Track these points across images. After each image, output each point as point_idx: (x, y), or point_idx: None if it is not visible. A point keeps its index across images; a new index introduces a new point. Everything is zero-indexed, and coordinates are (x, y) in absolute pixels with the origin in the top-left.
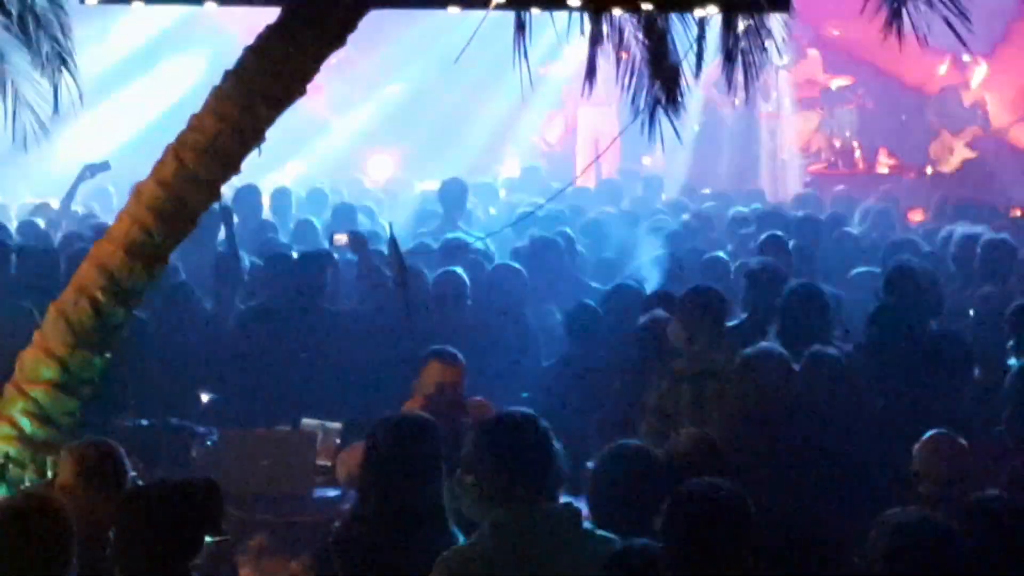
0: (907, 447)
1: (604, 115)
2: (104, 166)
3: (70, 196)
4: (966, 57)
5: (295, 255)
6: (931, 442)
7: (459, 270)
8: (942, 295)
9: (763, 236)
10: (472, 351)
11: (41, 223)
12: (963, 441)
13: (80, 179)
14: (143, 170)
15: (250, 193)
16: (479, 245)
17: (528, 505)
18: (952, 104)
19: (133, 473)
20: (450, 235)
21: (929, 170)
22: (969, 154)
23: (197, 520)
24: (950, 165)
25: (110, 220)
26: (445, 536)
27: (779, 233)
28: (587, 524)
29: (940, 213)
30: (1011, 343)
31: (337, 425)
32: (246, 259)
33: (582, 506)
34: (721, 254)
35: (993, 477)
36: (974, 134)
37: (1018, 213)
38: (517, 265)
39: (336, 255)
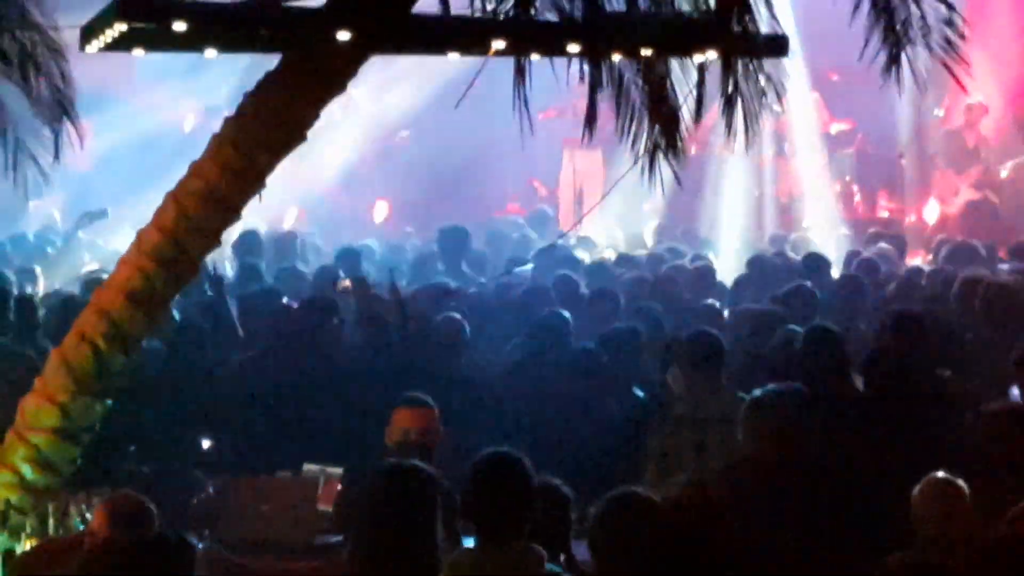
0: (906, 490)
1: (591, 159)
2: (102, 214)
3: (68, 244)
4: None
5: (297, 302)
6: (930, 485)
7: (457, 316)
8: (954, 341)
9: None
10: (471, 395)
11: (39, 270)
12: (962, 484)
13: (78, 226)
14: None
15: (251, 238)
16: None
17: (487, 544)
18: (956, 145)
19: None
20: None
21: (933, 211)
22: (973, 195)
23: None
24: (954, 206)
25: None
26: None
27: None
28: (551, 567)
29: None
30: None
31: (339, 471)
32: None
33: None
34: (714, 302)
35: (992, 519)
36: (978, 175)
37: None
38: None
39: (339, 300)
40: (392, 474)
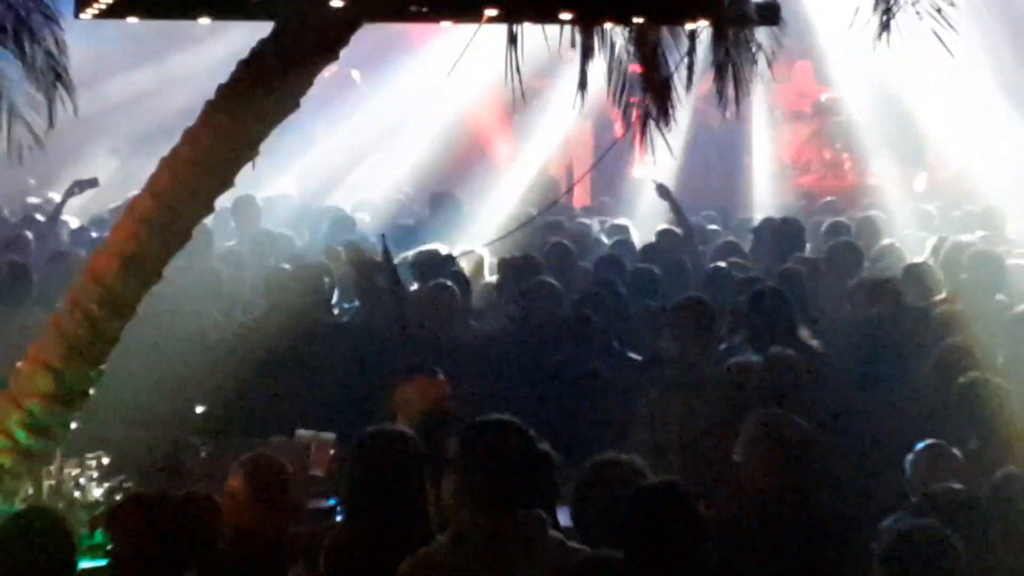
0: (895, 456)
1: (579, 129)
2: (92, 182)
3: (58, 212)
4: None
5: (291, 267)
6: (926, 452)
7: (449, 282)
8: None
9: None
10: (465, 363)
11: (30, 235)
12: (957, 452)
13: (68, 195)
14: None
15: (248, 204)
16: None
17: (493, 511)
18: (946, 112)
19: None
20: (425, 247)
21: (923, 180)
22: (963, 162)
23: (191, 534)
24: (947, 173)
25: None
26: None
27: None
28: (556, 533)
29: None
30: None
31: (331, 436)
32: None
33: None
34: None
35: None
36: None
37: None
38: None
39: (333, 267)
40: (378, 440)
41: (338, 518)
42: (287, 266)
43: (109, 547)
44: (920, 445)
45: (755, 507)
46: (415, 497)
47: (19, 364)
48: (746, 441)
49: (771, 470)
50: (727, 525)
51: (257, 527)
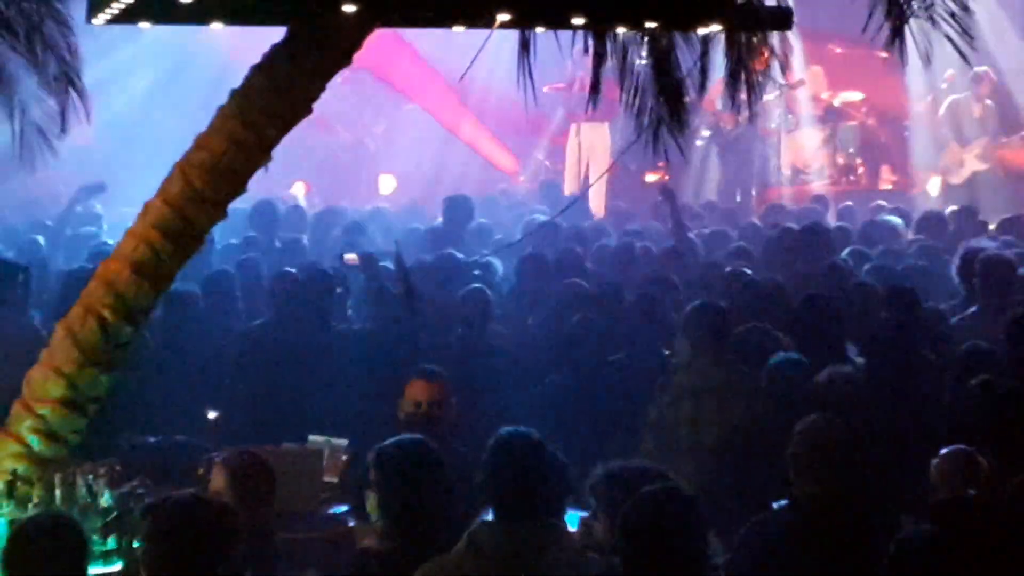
0: (917, 461)
1: (597, 132)
2: (100, 188)
3: (65, 218)
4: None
5: (302, 273)
6: (950, 457)
7: (483, 287)
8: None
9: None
10: (485, 369)
11: (41, 240)
12: (981, 458)
13: (75, 201)
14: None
15: (267, 208)
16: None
17: (509, 521)
18: (961, 116)
19: None
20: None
21: (937, 183)
22: (979, 166)
23: (218, 534)
24: (960, 177)
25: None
26: None
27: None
28: (573, 542)
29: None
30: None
31: (343, 442)
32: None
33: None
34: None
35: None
36: (983, 146)
37: None
38: None
39: (347, 273)
40: (402, 453)
41: (350, 524)
42: (298, 271)
43: (140, 549)
44: (944, 450)
45: (805, 510)
46: (445, 507)
47: (31, 370)
48: (800, 444)
49: (824, 473)
50: (771, 529)
51: (243, 524)
